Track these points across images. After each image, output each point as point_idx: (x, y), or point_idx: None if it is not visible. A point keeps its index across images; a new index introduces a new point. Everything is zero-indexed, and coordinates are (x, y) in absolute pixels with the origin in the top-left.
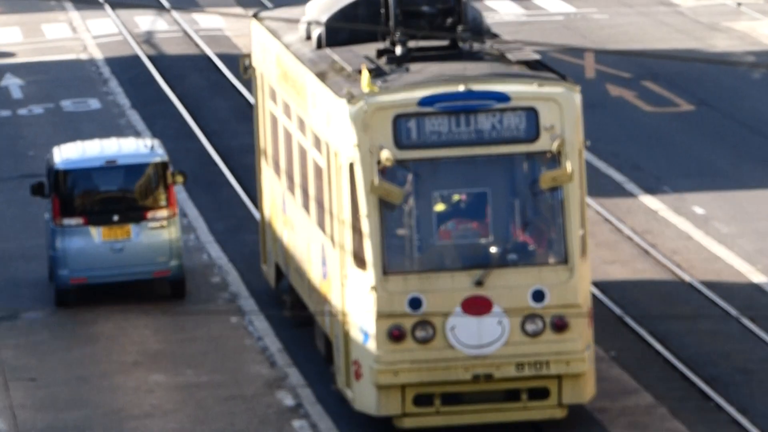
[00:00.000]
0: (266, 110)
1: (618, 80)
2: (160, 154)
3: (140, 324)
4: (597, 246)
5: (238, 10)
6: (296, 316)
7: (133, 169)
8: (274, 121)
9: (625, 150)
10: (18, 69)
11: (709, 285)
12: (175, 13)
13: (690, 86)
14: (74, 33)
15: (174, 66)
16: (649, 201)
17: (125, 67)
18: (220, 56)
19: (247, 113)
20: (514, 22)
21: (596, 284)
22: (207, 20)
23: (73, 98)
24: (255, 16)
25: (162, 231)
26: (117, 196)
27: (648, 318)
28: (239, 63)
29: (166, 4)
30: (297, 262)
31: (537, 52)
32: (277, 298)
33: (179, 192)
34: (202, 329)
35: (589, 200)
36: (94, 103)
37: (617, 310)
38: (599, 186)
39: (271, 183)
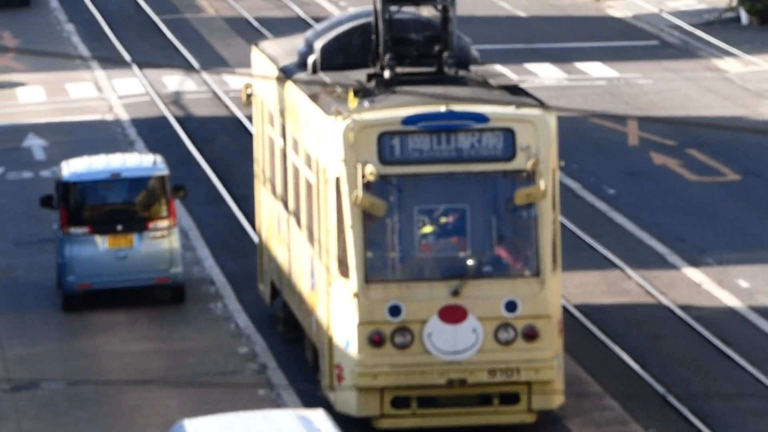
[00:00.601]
0: (264, 134)
1: (662, 148)
2: (161, 169)
3: (165, 395)
4: (639, 321)
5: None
6: (288, 332)
7: (136, 182)
8: (272, 144)
9: (668, 220)
10: (41, 129)
11: (754, 362)
12: (204, 74)
13: (736, 155)
14: (100, 93)
15: (202, 128)
16: (693, 274)
17: (152, 129)
18: (250, 118)
19: None
20: (555, 87)
21: (638, 360)
22: (237, 81)
23: None
24: (255, 44)
25: (163, 240)
26: (121, 207)
27: (691, 396)
28: (241, 92)
29: (195, 65)
30: (289, 277)
31: (579, 118)
32: (281, 329)
33: (206, 258)
34: (227, 401)
35: (631, 272)
36: None
37: (659, 388)
38: (641, 258)
39: (267, 204)
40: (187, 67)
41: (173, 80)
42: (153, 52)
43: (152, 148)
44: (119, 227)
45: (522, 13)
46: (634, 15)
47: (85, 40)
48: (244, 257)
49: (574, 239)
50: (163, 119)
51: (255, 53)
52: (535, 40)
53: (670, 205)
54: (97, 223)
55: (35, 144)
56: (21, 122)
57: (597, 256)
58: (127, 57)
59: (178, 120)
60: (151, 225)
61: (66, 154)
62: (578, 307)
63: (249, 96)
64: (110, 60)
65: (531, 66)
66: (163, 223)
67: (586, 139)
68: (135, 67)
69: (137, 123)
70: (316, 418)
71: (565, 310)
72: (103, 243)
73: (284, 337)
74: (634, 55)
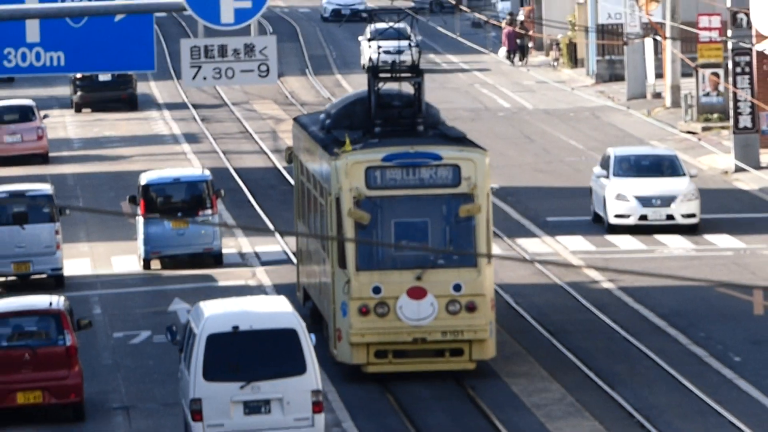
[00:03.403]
0: (299, 181)
1: None
2: (207, 176)
3: None
4: None
5: None
6: (313, 322)
7: (191, 184)
8: (303, 185)
9: None
10: (187, 294)
11: None
12: None
13: None
14: (242, 259)
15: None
16: None
17: (290, 291)
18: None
19: None
20: (683, 257)
21: None
22: None
23: None
24: (294, 118)
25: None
26: (180, 200)
27: None
28: (285, 154)
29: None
30: (312, 279)
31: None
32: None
33: None
34: None
35: None
36: None
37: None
38: (765, 423)
39: (301, 230)
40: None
41: None
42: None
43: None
44: (179, 214)
45: None
46: (761, 188)
47: (229, 208)
48: None
49: (701, 404)
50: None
51: (293, 124)
52: None
53: None
54: (164, 211)
55: (180, 308)
56: (166, 287)
57: (723, 421)
58: (270, 225)
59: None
60: (200, 212)
61: None
62: None
63: (290, 155)
64: (254, 228)
65: (660, 236)
66: (208, 212)
67: (712, 308)
68: (278, 236)
69: (279, 289)
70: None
71: None
72: (168, 224)
73: (310, 320)
74: (761, 227)
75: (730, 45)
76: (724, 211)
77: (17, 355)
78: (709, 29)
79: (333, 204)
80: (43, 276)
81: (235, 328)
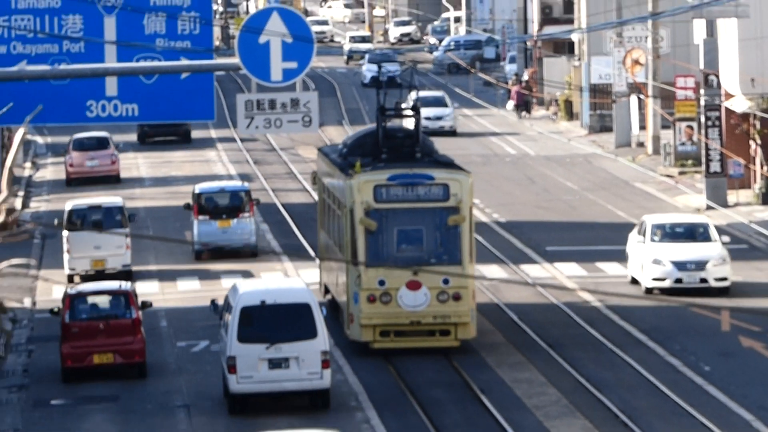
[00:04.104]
0: (321, 198)
1: (749, 333)
2: (245, 187)
3: None
4: None
5: None
6: (330, 305)
7: (233, 193)
8: (324, 202)
9: (754, 393)
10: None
11: None
12: None
13: None
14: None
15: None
16: None
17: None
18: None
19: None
20: None
21: None
22: None
23: None
24: (319, 149)
25: (246, 222)
26: (225, 204)
27: None
28: (311, 177)
29: None
30: (330, 275)
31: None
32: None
33: None
34: None
35: None
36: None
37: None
38: (730, 424)
39: (323, 239)
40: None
41: None
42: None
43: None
44: (224, 216)
45: (635, 220)
46: (728, 223)
47: (276, 237)
48: None
49: (676, 407)
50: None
51: (317, 153)
52: None
53: (755, 381)
54: (212, 213)
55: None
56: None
57: (696, 422)
58: (311, 252)
59: None
60: (240, 215)
61: None
62: None
63: (314, 178)
64: (298, 256)
65: None
66: (246, 214)
67: (686, 324)
68: (317, 261)
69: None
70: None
71: None
72: (215, 224)
73: (328, 309)
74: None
75: (702, 102)
76: None
77: (94, 326)
78: (685, 89)
79: (348, 214)
80: (115, 271)
81: (263, 302)
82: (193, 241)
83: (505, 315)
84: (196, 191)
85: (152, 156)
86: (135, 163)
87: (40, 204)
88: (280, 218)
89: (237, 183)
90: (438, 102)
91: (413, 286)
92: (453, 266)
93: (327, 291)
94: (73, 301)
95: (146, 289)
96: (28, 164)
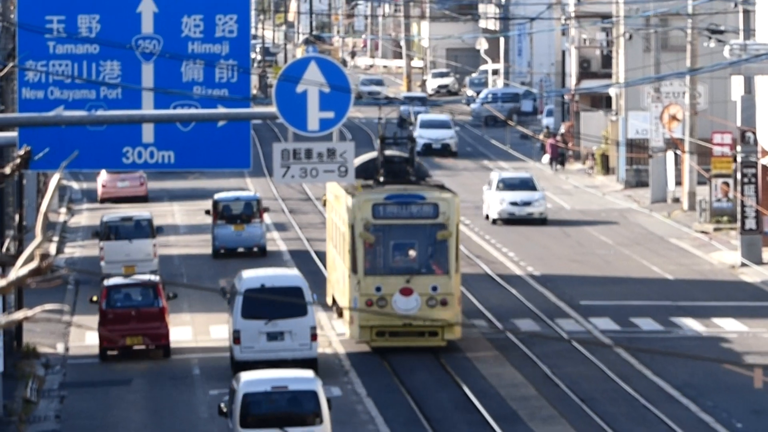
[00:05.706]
0: (330, 217)
1: None
2: (257, 197)
3: None
4: None
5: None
6: (336, 308)
7: (247, 202)
8: (332, 221)
9: None
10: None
11: None
12: None
13: None
14: (321, 330)
15: (404, 361)
16: None
17: (363, 361)
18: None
19: (468, 407)
20: (694, 337)
21: None
22: None
23: None
24: None
25: (258, 226)
26: (240, 211)
27: None
28: (322, 199)
29: None
30: (336, 284)
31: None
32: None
33: None
34: None
35: None
36: (335, 390)
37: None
38: None
39: (330, 254)
40: None
41: None
42: None
43: (363, 377)
44: (239, 221)
45: (670, 276)
46: (762, 281)
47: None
48: None
49: None
50: (372, 355)
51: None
52: (679, 298)
53: None
54: (228, 218)
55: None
56: None
57: None
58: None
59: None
60: (252, 220)
61: None
62: None
63: (324, 201)
64: (324, 305)
65: (675, 319)
66: (257, 220)
67: (719, 381)
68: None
69: (351, 356)
70: None
71: None
72: (231, 228)
73: (336, 313)
74: (762, 313)
75: (739, 159)
76: (730, 299)
77: (127, 312)
78: (722, 145)
79: (350, 229)
80: (144, 276)
81: (263, 285)
82: (213, 242)
83: (538, 368)
84: (215, 199)
85: (186, 204)
86: (170, 210)
87: (74, 250)
88: (314, 268)
89: (250, 193)
90: (442, 124)
91: (406, 292)
92: (441, 276)
93: (334, 302)
94: (109, 291)
95: (179, 336)
96: (63, 210)
